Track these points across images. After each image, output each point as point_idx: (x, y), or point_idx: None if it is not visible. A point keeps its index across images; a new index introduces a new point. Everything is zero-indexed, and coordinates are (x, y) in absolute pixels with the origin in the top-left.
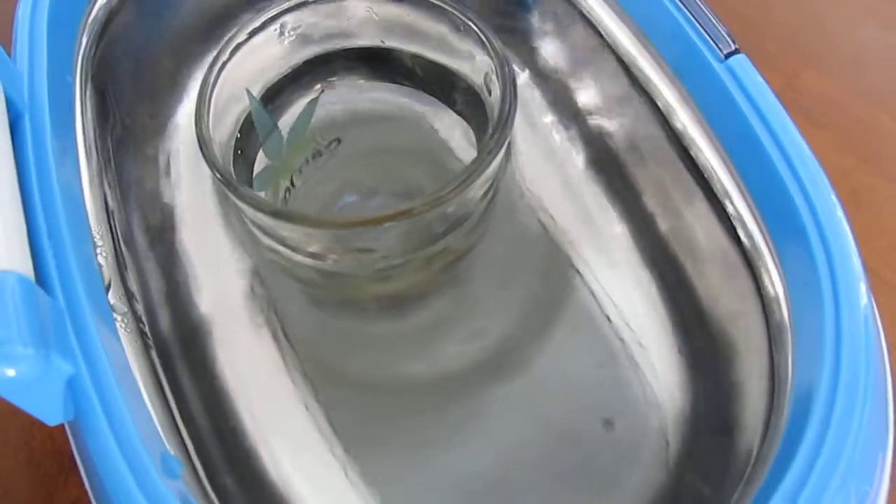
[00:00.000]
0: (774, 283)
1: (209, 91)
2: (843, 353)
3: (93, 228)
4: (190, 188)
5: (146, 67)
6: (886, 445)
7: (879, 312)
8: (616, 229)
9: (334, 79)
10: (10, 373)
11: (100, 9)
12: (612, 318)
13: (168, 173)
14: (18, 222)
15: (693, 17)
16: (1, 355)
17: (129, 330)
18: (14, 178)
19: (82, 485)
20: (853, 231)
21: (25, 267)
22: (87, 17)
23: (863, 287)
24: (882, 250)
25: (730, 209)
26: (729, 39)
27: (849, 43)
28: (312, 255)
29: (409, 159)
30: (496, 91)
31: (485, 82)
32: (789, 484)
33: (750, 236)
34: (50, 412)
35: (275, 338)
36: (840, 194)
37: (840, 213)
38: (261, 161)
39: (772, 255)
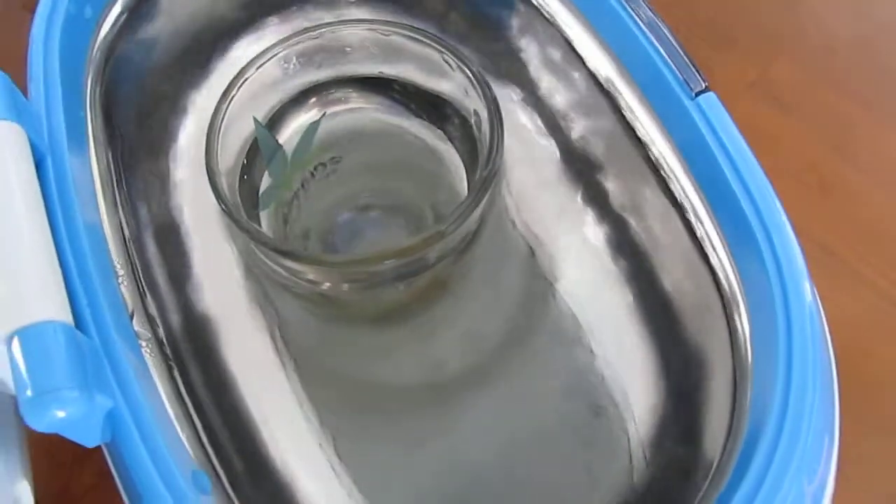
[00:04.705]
0: (735, 294)
1: (219, 125)
2: (794, 350)
3: (114, 259)
4: (197, 209)
5: (148, 94)
6: (833, 428)
7: (823, 301)
8: (594, 244)
9: (334, 100)
10: (61, 414)
11: (101, 42)
12: (586, 333)
13: (176, 195)
14: (54, 269)
15: (667, 55)
16: (52, 400)
17: (153, 354)
18: (46, 225)
19: (97, 473)
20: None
21: (65, 314)
22: (92, 51)
23: (807, 285)
24: (848, 237)
25: (699, 231)
26: (699, 78)
27: (821, 32)
28: (310, 282)
29: (404, 175)
30: (485, 127)
31: (475, 114)
32: (751, 478)
33: (718, 257)
34: (90, 438)
35: (278, 350)
36: (809, 182)
37: (789, 230)
38: (265, 181)
39: (734, 271)
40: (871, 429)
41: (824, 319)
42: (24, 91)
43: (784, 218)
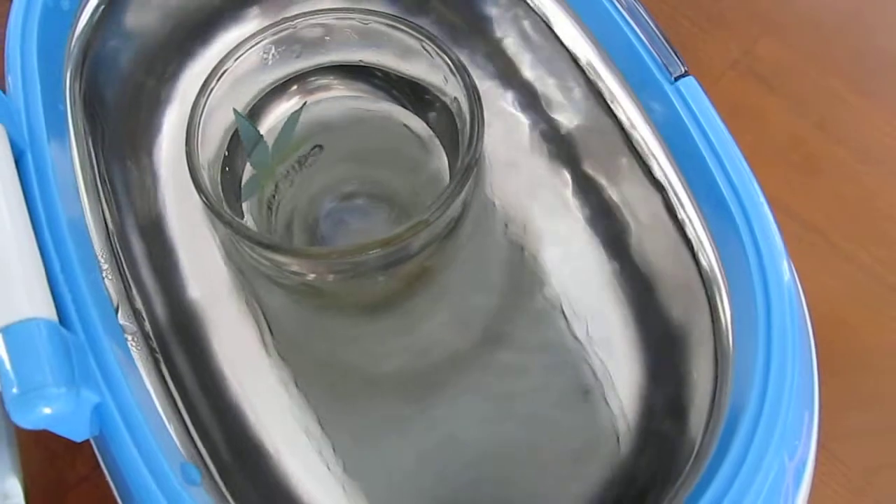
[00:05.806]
0: (716, 274)
1: (199, 119)
2: (774, 329)
3: (97, 253)
4: (181, 200)
5: (128, 86)
6: (813, 404)
7: (808, 279)
8: (577, 227)
9: (315, 88)
10: (48, 411)
11: (80, 34)
12: (570, 315)
13: (159, 187)
14: (37, 266)
15: (646, 40)
16: (38, 397)
17: (139, 348)
18: (27, 222)
19: (89, 462)
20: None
21: (49, 310)
22: (70, 45)
23: (785, 265)
24: (833, 214)
25: (680, 214)
26: (679, 62)
27: (806, 8)
28: (295, 273)
29: (387, 162)
30: (465, 113)
31: (455, 101)
32: (734, 455)
33: (698, 238)
34: (78, 433)
35: (265, 340)
36: (795, 160)
37: (768, 212)
38: (247, 171)
39: (715, 253)
40: (852, 404)
41: (803, 298)
42: (2, 84)
43: (762, 200)
